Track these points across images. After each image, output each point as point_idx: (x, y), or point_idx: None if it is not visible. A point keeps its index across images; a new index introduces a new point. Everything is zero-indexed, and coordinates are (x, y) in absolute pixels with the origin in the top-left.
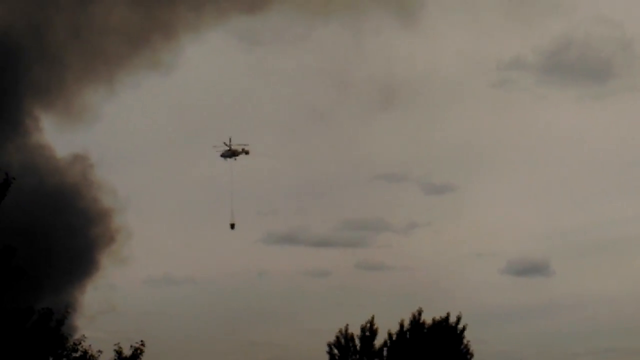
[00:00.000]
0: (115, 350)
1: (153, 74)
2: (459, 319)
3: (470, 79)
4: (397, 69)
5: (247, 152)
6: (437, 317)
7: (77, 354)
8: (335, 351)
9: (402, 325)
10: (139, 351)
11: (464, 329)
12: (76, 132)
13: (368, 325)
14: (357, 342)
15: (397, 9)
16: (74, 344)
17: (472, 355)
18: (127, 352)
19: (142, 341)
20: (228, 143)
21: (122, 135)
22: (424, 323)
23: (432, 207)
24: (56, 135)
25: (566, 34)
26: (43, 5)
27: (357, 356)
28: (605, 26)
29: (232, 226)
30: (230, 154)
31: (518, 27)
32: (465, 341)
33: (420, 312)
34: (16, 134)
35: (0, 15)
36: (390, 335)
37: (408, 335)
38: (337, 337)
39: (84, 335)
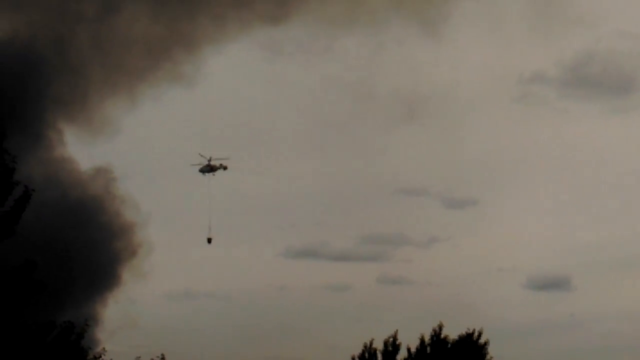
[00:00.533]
0: None
1: (175, 87)
2: (480, 334)
3: (491, 92)
4: (419, 82)
5: (225, 168)
6: (460, 333)
7: None
8: None
9: (422, 340)
10: None
11: (485, 344)
12: (98, 145)
13: (391, 340)
14: (380, 356)
15: (420, 19)
16: (94, 357)
17: None
18: None
19: (162, 355)
20: (207, 158)
21: (144, 148)
22: (445, 338)
23: (452, 222)
24: (78, 148)
25: (588, 48)
26: (65, 18)
27: None
28: (628, 40)
29: (209, 241)
30: (209, 169)
31: (540, 41)
32: (488, 357)
33: (441, 327)
34: (38, 147)
35: (23, 28)
36: (409, 350)
37: (429, 351)
38: (363, 351)
39: (104, 348)
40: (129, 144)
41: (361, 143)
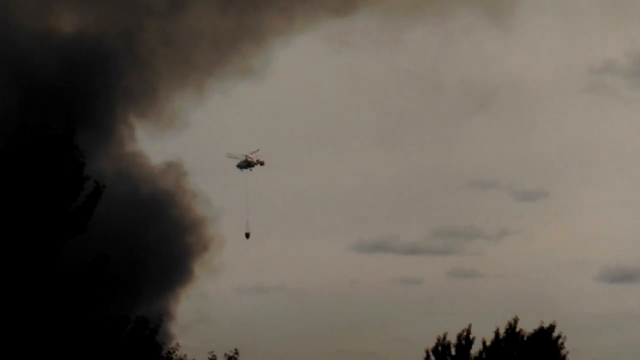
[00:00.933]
0: (209, 358)
1: (243, 80)
2: (553, 328)
3: (561, 83)
4: (488, 72)
5: (262, 163)
6: (534, 327)
7: None
8: (432, 358)
9: (497, 334)
10: (232, 359)
11: (558, 337)
12: (167, 139)
13: (465, 333)
14: (453, 350)
15: (488, 8)
16: (168, 352)
17: None
18: None
19: (235, 349)
20: (244, 154)
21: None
22: (519, 332)
23: (524, 214)
24: (148, 143)
25: None
26: (134, 12)
27: None
28: None
29: (247, 235)
30: (246, 165)
31: (611, 30)
32: (563, 352)
33: (516, 321)
34: (109, 141)
35: (93, 23)
36: (484, 344)
37: (503, 344)
38: (436, 344)
39: (177, 343)
40: (198, 138)
41: (431, 135)
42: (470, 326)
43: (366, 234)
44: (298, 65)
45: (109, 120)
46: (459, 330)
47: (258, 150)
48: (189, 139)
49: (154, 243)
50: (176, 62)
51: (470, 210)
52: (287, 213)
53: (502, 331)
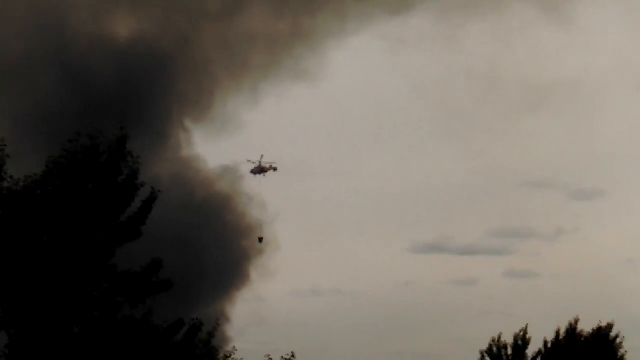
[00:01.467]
0: None
1: (298, 83)
2: (611, 328)
3: (619, 81)
4: (545, 69)
5: (275, 169)
6: (593, 327)
7: None
8: (487, 359)
9: (557, 334)
10: None
11: (616, 337)
12: (223, 143)
13: (521, 334)
14: (510, 350)
15: (545, 4)
16: (225, 356)
17: None
18: None
19: (292, 353)
20: (258, 160)
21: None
22: (579, 332)
23: (580, 213)
24: (204, 146)
25: None
26: (189, 16)
27: None
28: None
29: (261, 240)
30: (259, 170)
31: None
32: (622, 352)
33: (577, 321)
34: (164, 145)
35: (148, 27)
36: (545, 344)
37: (563, 344)
38: (490, 345)
39: (234, 347)
40: (254, 142)
41: (486, 135)
42: (527, 326)
43: (421, 235)
44: (353, 66)
45: (165, 124)
46: (514, 331)
47: (264, 157)
48: (244, 142)
49: (210, 247)
50: (231, 66)
51: (526, 210)
52: (343, 215)
53: (562, 331)
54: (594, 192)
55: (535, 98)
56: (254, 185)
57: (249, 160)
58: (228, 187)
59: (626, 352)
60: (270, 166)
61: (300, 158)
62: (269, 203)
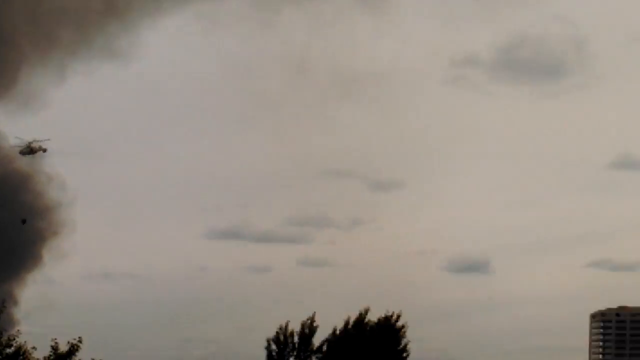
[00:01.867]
0: (51, 346)
1: (109, 62)
2: (398, 317)
3: (426, 74)
4: (356, 58)
5: (44, 150)
6: (380, 316)
7: (11, 350)
8: (274, 347)
9: (347, 323)
10: (75, 347)
11: (403, 327)
12: (26, 120)
13: (308, 322)
14: (296, 338)
15: None
16: (8, 339)
17: (408, 353)
18: (63, 347)
19: (79, 337)
20: (28, 142)
21: (74, 126)
22: (368, 322)
23: (376, 204)
24: (4, 123)
25: (521, 30)
26: None
27: (295, 352)
28: (560, 24)
29: (24, 221)
30: (29, 151)
31: (476, 23)
32: (405, 340)
33: (367, 311)
34: None
35: None
36: (334, 332)
37: (352, 333)
38: (277, 333)
39: (18, 330)
40: (58, 121)
41: (291, 122)
42: (314, 314)
43: (219, 220)
44: (166, 47)
45: None
46: (304, 319)
47: (49, 139)
48: (48, 120)
49: (3, 226)
50: (41, 41)
51: (325, 199)
52: (144, 198)
53: (352, 320)
54: (392, 183)
55: (345, 87)
56: (56, 164)
57: (17, 137)
58: (27, 165)
59: (409, 341)
60: (40, 147)
61: (105, 139)
62: (69, 184)
